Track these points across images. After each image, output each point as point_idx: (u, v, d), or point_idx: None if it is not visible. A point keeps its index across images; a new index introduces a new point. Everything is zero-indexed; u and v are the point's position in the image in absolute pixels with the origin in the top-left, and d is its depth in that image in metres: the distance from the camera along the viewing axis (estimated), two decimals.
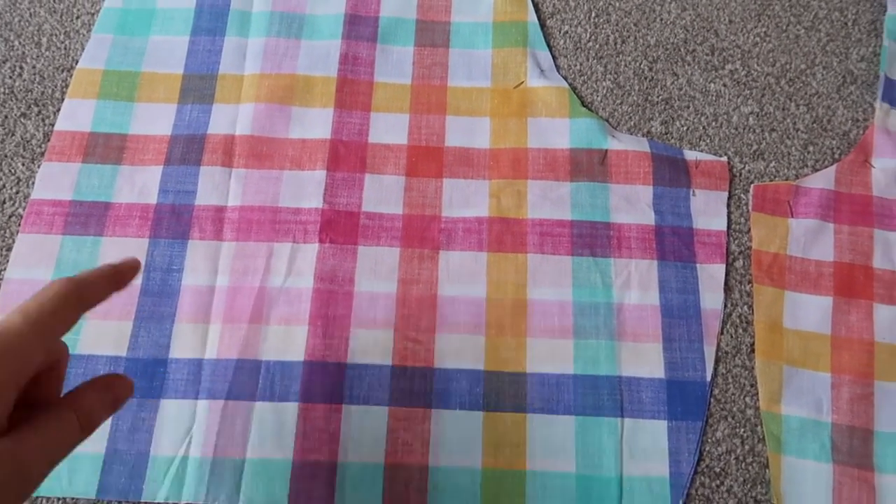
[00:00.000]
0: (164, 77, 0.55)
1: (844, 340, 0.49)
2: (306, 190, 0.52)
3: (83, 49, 0.56)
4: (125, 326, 0.48)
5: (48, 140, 0.53)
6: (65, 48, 0.57)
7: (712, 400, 0.48)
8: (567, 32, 0.59)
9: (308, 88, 0.55)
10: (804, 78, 0.58)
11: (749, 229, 0.52)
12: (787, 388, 0.48)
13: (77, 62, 0.56)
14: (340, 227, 0.51)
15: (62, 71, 0.56)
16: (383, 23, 0.58)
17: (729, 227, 0.53)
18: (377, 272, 0.50)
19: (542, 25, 0.59)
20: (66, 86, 0.55)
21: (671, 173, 0.53)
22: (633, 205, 0.52)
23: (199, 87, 0.55)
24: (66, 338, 0.29)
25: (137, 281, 0.49)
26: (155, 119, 0.54)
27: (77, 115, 0.54)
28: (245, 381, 0.46)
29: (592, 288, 0.50)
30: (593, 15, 0.60)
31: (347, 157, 0.53)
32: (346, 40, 0.57)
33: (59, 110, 0.54)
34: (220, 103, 0.54)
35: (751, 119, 0.56)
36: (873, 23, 0.60)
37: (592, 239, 0.51)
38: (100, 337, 0.47)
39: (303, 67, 0.56)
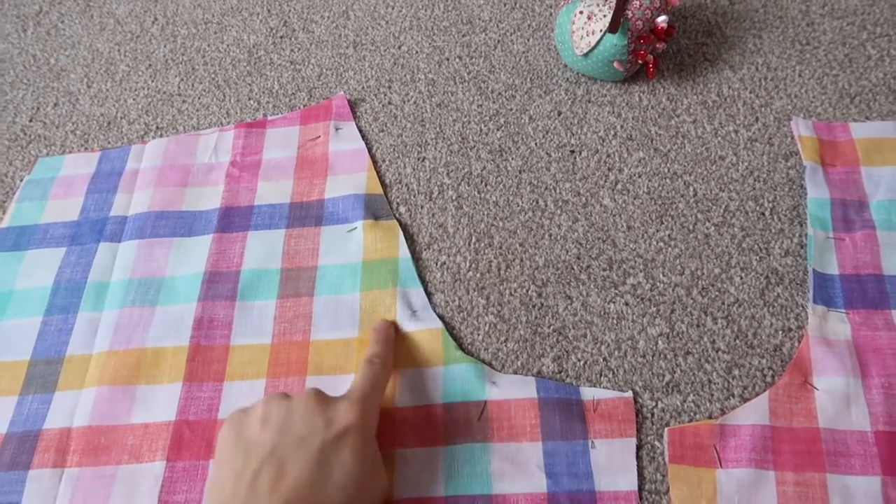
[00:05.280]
0: (10, 366, 0.51)
1: None
2: (140, 489, 0.45)
3: None
4: None
5: None
6: None
7: None
8: (444, 263, 0.53)
9: (157, 363, 0.50)
10: (720, 284, 0.50)
11: (667, 488, 0.42)
12: None
13: None
14: None
15: None
16: (244, 277, 0.54)
17: (641, 486, 0.42)
18: None
19: (417, 259, 0.53)
20: None
21: (563, 423, 0.45)
22: (519, 468, 0.43)
23: (43, 373, 0.51)
24: None
25: None
26: None
27: None
28: None
29: None
30: (474, 240, 0.54)
31: (192, 441, 0.47)
32: (201, 302, 0.52)
33: None
34: (63, 391, 0.50)
35: (660, 342, 0.48)
36: (794, 209, 0.52)
37: None
38: None
39: (153, 339, 0.51)
